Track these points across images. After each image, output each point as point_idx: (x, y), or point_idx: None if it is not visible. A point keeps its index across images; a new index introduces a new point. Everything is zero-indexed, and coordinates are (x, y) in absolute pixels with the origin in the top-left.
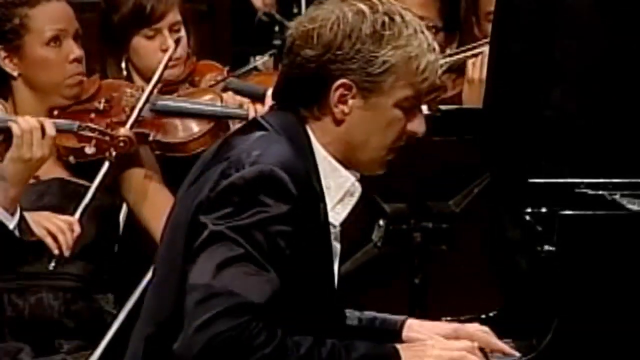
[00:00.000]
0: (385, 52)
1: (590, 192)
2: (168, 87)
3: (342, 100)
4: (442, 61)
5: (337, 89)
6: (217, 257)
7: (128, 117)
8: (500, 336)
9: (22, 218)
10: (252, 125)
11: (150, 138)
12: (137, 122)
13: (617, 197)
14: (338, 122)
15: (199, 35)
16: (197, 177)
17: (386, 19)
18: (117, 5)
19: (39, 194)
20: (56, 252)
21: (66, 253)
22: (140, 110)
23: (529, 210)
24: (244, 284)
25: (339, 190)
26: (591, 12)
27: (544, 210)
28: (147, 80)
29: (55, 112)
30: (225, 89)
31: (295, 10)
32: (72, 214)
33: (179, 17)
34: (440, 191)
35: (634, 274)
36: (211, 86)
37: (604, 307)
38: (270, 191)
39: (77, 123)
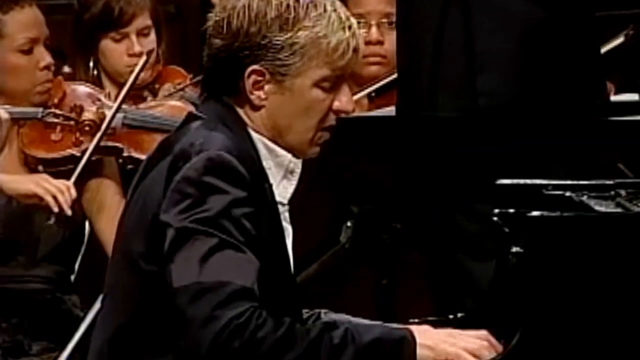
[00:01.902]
0: (291, 35)
1: (557, 193)
2: (133, 90)
3: (257, 86)
4: None
5: (249, 76)
6: (195, 254)
7: (94, 130)
8: None
9: None
10: (188, 118)
11: (125, 153)
12: (110, 136)
13: (584, 198)
14: (257, 108)
15: (166, 37)
16: (142, 177)
17: (291, 1)
18: (88, 5)
19: (8, 198)
20: (56, 209)
21: (68, 212)
22: (109, 123)
23: (496, 211)
24: (230, 270)
25: (279, 169)
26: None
27: (511, 211)
28: (114, 82)
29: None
30: (181, 99)
31: None
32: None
33: (148, 22)
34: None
35: (601, 275)
36: (168, 96)
37: (572, 308)
38: (223, 176)
39: (40, 109)
